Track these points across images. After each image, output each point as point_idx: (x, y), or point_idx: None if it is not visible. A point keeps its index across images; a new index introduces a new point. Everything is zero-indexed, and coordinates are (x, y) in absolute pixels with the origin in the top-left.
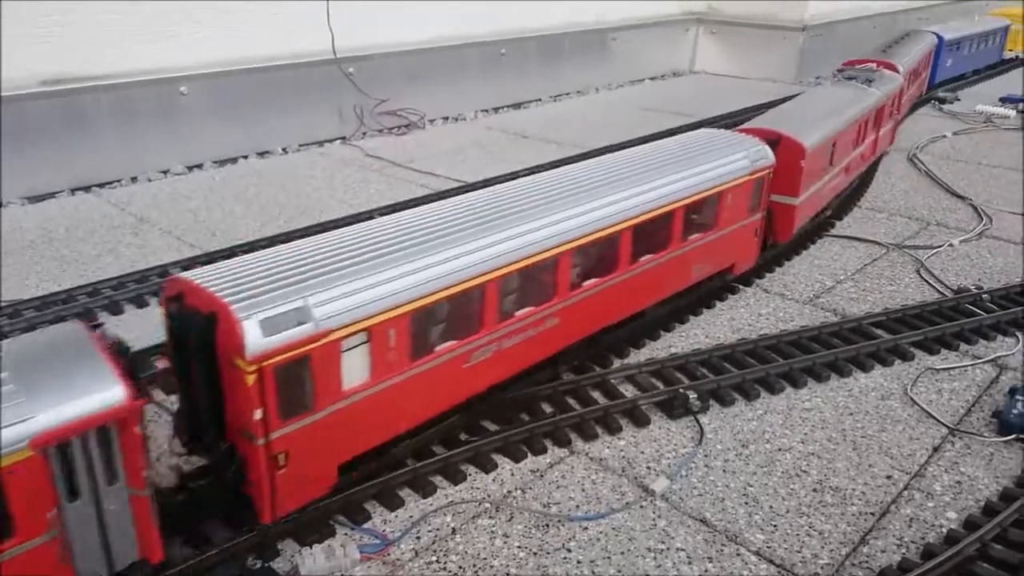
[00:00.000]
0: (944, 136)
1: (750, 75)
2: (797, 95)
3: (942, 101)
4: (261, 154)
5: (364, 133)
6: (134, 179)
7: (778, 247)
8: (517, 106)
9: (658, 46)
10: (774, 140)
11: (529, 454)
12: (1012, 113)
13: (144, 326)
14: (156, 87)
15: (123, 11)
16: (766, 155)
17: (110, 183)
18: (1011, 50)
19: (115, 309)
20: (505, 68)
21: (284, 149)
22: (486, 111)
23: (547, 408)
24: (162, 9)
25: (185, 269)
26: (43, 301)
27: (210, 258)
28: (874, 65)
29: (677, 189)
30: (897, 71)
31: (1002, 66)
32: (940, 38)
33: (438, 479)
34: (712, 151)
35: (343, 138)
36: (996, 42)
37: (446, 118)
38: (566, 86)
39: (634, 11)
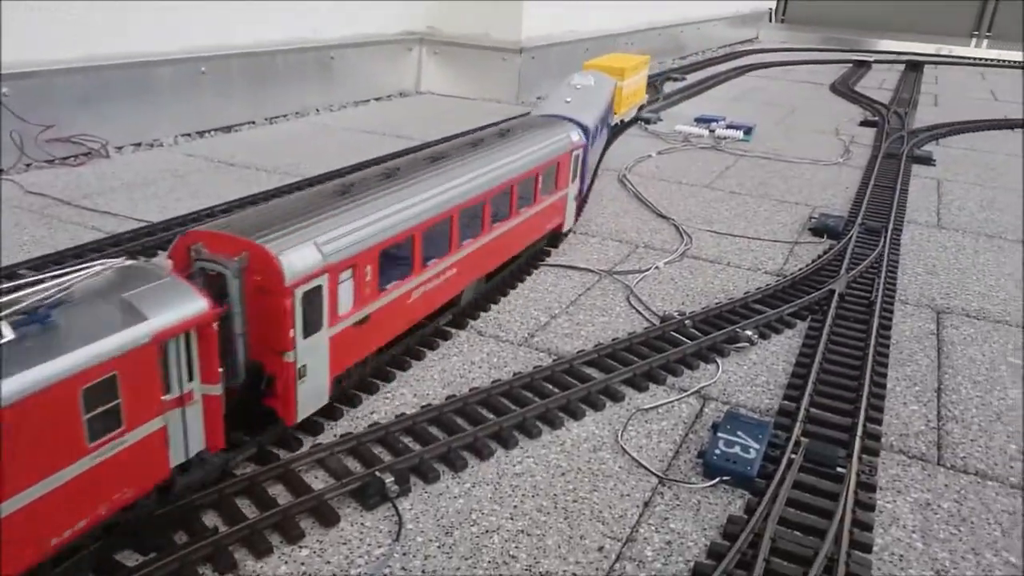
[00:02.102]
0: (649, 156)
1: (475, 96)
2: None
3: (647, 121)
4: None
5: (28, 165)
6: None
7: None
8: (227, 130)
9: (381, 66)
10: None
11: None
12: (706, 132)
13: None
14: None
15: None
16: None
17: None
18: (616, 113)
19: None
20: (208, 88)
21: None
22: (188, 135)
23: (211, 521)
24: None
25: None
26: None
27: None
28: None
29: None
30: None
31: (614, 139)
32: (582, 126)
33: None
34: None
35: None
36: (610, 107)
37: (138, 144)
38: (283, 107)
39: (353, 29)
